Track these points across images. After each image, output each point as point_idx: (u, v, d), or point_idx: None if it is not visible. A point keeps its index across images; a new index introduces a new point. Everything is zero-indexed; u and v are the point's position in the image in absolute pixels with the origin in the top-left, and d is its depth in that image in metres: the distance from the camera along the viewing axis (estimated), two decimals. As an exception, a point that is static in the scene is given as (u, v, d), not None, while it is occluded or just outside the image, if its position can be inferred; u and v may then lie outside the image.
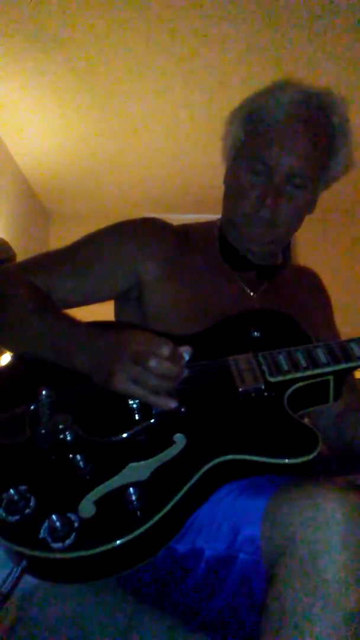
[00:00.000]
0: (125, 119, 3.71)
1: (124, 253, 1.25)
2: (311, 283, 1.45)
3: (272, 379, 1.00)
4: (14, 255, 3.58)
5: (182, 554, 0.92)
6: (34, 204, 4.70)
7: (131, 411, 0.93)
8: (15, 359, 1.14)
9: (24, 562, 0.76)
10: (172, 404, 0.91)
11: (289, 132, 1.17)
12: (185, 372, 0.93)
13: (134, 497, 0.78)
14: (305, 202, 1.24)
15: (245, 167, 1.21)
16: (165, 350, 0.90)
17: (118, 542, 0.75)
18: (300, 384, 1.01)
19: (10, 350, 1.16)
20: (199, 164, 3.83)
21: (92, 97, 3.49)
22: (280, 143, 1.17)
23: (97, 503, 0.80)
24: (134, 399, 0.93)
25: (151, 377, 0.89)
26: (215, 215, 1.38)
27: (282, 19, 2.84)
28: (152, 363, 0.89)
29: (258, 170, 1.19)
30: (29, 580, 0.85)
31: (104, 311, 1.32)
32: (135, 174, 4.37)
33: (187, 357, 0.94)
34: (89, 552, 0.75)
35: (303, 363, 1.02)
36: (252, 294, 1.28)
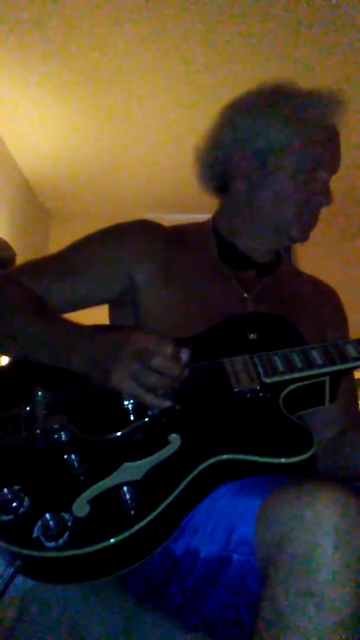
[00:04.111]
0: (126, 119, 3.71)
1: (117, 256, 1.25)
2: (328, 298, 1.44)
3: (267, 380, 1.00)
4: (14, 256, 3.58)
5: (179, 555, 0.92)
6: (34, 204, 4.71)
7: (126, 411, 0.93)
8: (11, 360, 1.15)
9: (17, 562, 0.76)
10: (167, 403, 0.91)
11: (333, 133, 1.26)
12: (186, 373, 0.93)
13: (128, 497, 0.79)
14: None
15: (298, 169, 1.23)
16: (168, 349, 0.90)
17: (111, 541, 0.76)
18: (296, 385, 1.01)
19: (7, 353, 1.17)
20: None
21: (93, 97, 3.49)
22: (330, 144, 1.26)
23: (91, 502, 0.80)
24: (130, 397, 0.93)
25: (151, 374, 0.90)
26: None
27: (282, 19, 2.84)
28: (154, 361, 0.89)
29: (313, 170, 1.24)
30: (29, 580, 0.85)
31: (98, 315, 1.32)
32: (136, 174, 4.37)
33: (185, 357, 0.94)
34: (82, 551, 0.76)
35: (298, 364, 1.03)
36: (246, 295, 1.27)
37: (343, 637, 0.73)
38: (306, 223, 1.27)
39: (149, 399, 0.91)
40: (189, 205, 4.37)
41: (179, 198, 4.50)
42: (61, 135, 3.87)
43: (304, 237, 1.28)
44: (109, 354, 0.94)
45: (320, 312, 1.37)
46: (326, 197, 1.25)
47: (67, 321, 1.09)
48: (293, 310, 1.24)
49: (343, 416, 1.26)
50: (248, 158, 1.26)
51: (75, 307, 1.24)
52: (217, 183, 1.34)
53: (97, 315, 1.30)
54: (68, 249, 1.28)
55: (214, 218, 1.37)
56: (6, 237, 3.67)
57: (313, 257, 4.27)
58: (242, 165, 1.27)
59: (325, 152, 1.24)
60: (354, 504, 0.78)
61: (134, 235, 1.28)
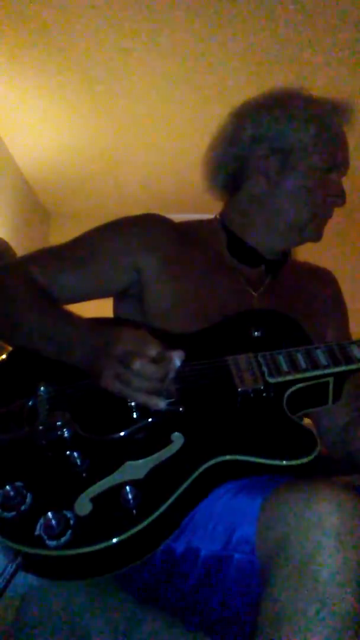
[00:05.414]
0: (125, 118, 3.71)
1: (124, 249, 1.24)
2: (325, 283, 1.45)
3: (271, 380, 1.00)
4: (13, 256, 3.58)
5: (179, 554, 0.92)
6: (34, 204, 4.71)
7: (129, 409, 0.93)
8: (14, 352, 1.14)
9: (19, 559, 0.76)
10: (162, 403, 0.91)
11: (344, 136, 1.30)
12: (171, 375, 0.92)
13: (130, 496, 0.78)
14: None
15: (317, 169, 1.25)
16: (151, 352, 0.91)
17: (113, 540, 0.75)
18: (300, 385, 1.01)
19: (10, 344, 1.16)
20: (199, 164, 3.83)
21: (93, 97, 3.49)
22: (345, 146, 1.30)
23: (94, 501, 0.80)
24: (124, 397, 0.92)
25: (134, 377, 0.89)
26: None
27: (282, 19, 2.84)
28: (135, 365, 0.89)
29: (329, 171, 1.27)
30: (29, 580, 0.85)
31: (103, 308, 1.32)
32: (135, 173, 4.37)
33: (177, 362, 0.93)
34: (84, 550, 0.75)
35: (303, 364, 1.02)
36: (253, 292, 1.27)
37: (344, 637, 0.72)
38: (321, 223, 1.29)
39: (143, 399, 0.91)
40: (189, 205, 4.38)
41: (179, 198, 4.51)
42: (61, 135, 3.87)
43: (317, 237, 1.30)
44: (99, 354, 0.94)
45: (320, 298, 1.38)
46: (341, 197, 1.28)
47: (70, 314, 1.09)
48: (298, 307, 1.24)
49: (348, 413, 1.26)
50: (268, 156, 1.26)
51: (80, 299, 1.24)
52: (228, 181, 1.33)
53: (101, 308, 1.30)
54: (75, 240, 1.27)
55: (222, 215, 1.36)
56: (6, 237, 3.66)
57: (313, 254, 4.27)
58: (262, 163, 1.27)
59: (341, 153, 1.28)
60: (355, 505, 0.78)
61: (142, 229, 1.27)
